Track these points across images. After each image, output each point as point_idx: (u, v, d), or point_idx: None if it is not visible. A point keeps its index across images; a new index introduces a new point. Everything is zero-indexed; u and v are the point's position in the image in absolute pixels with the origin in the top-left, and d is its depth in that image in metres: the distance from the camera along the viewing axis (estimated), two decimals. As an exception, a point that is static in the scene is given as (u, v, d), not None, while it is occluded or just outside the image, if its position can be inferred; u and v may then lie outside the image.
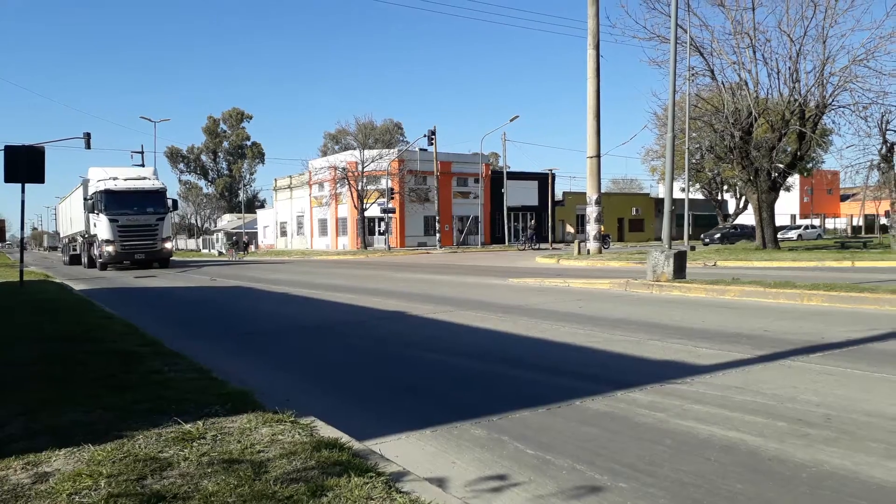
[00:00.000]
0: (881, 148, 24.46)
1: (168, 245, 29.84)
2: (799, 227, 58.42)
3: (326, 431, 3.65)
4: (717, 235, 46.55)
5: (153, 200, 28.93)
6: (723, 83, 26.12)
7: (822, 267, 18.63)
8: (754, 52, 25.01)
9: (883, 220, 51.04)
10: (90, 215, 29.21)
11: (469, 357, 6.50)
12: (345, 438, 3.50)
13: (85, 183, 31.09)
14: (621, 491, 3.04)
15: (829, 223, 68.61)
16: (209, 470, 3.08)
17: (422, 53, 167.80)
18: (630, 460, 3.43)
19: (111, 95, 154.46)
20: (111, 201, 27.84)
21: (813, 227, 58.84)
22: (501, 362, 6.19)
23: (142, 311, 11.26)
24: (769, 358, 5.82)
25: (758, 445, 3.58)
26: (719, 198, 54.96)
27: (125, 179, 29.33)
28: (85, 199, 30.14)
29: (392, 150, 53.55)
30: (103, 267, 27.99)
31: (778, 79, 25.34)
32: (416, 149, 52.85)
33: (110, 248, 27.43)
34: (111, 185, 28.23)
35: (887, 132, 23.80)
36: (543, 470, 3.33)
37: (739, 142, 25.55)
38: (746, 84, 25.33)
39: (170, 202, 29.84)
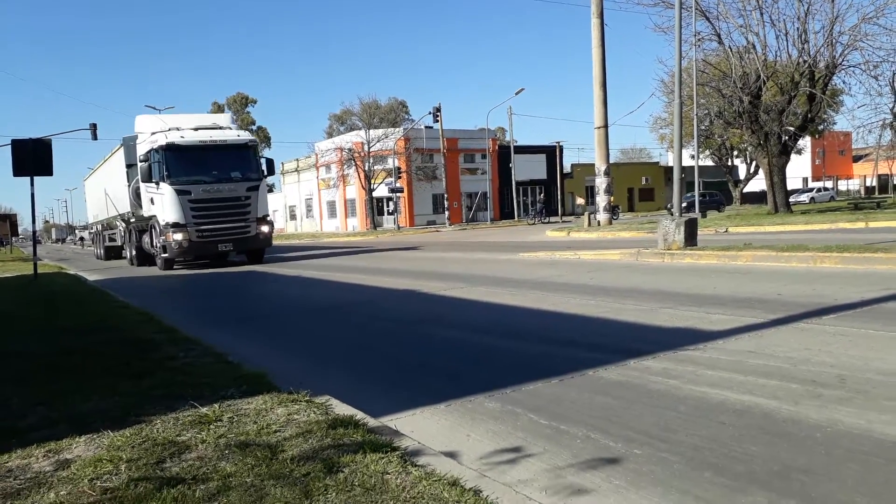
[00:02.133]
0: (893, 106, 24.07)
1: (265, 228, 19.10)
2: (811, 189, 57.83)
3: (341, 409, 3.69)
4: (684, 204, 46.09)
5: (240, 161, 18.65)
6: (730, 47, 25.73)
7: (835, 229, 18.46)
8: (761, 14, 24.60)
9: (896, 180, 50.40)
10: (143, 187, 19.14)
11: (482, 332, 6.51)
12: (360, 416, 3.53)
13: (129, 142, 20.79)
14: (636, 458, 3.05)
15: (842, 185, 67.87)
16: (226, 451, 3.12)
17: (425, 30, 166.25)
18: (644, 427, 3.44)
19: (115, 87, 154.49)
20: (178, 163, 17.80)
21: (825, 189, 58.22)
22: (513, 336, 6.20)
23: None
24: (782, 321, 5.80)
25: (772, 408, 3.58)
26: (730, 164, 54.48)
27: (195, 130, 18.75)
28: (131, 164, 20.52)
29: (397, 129, 53.29)
30: (168, 265, 18.86)
31: (786, 40, 24.94)
32: (422, 126, 52.59)
33: (180, 236, 17.66)
34: (176, 139, 17.90)
35: (899, 90, 23.37)
36: (558, 440, 3.34)
37: (748, 106, 25.22)
38: (754, 47, 24.94)
39: (263, 163, 19.27)
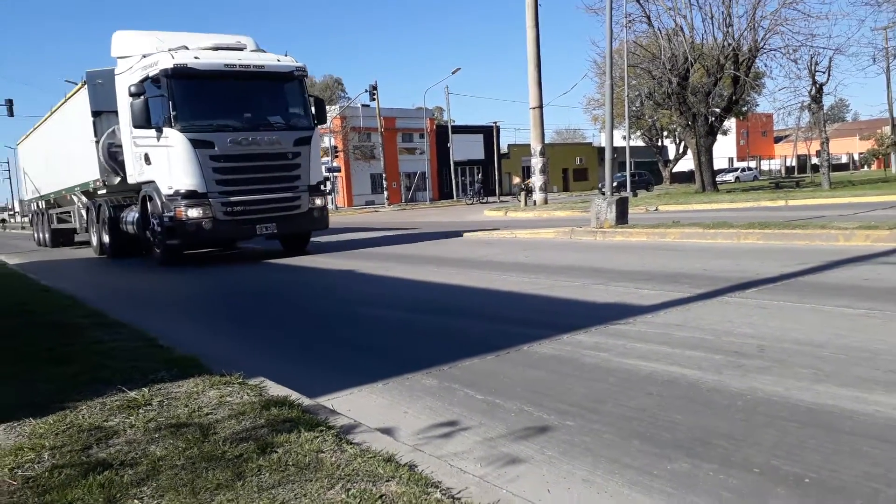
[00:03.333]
0: (811, 89, 25.21)
1: (320, 201, 12.97)
2: (736, 169, 60.13)
3: (276, 390, 3.64)
4: (615, 184, 47.42)
5: (283, 99, 12.72)
6: (659, 29, 26.37)
7: (757, 207, 19.28)
8: (689, -3, 25.23)
9: (814, 160, 52.95)
10: (131, 140, 12.78)
11: (421, 311, 6.53)
12: (294, 396, 3.49)
13: (98, 79, 14.49)
14: (568, 429, 3.13)
15: (765, 165, 70.83)
16: (156, 435, 3.04)
17: (361, 9, 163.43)
18: (576, 399, 3.53)
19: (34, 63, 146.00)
20: (192, 98, 11.77)
21: (749, 169, 60.64)
22: (452, 314, 6.25)
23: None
24: (708, 295, 6.03)
25: (697, 378, 3.73)
26: (660, 144, 55.99)
27: (214, 50, 12.39)
28: (101, 111, 14.39)
29: (333, 107, 52.48)
30: (171, 257, 12.63)
31: (712, 23, 25.76)
32: (359, 105, 51.93)
33: (198, 212, 11.62)
34: (188, 60, 11.64)
35: (816, 73, 24.53)
36: (493, 413, 3.40)
37: (677, 88, 25.95)
38: (682, 30, 25.64)
39: (311, 102, 12.85)
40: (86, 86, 14.83)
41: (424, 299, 7.19)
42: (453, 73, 48.03)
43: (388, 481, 2.35)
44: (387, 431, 3.11)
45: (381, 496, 2.26)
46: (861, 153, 63.79)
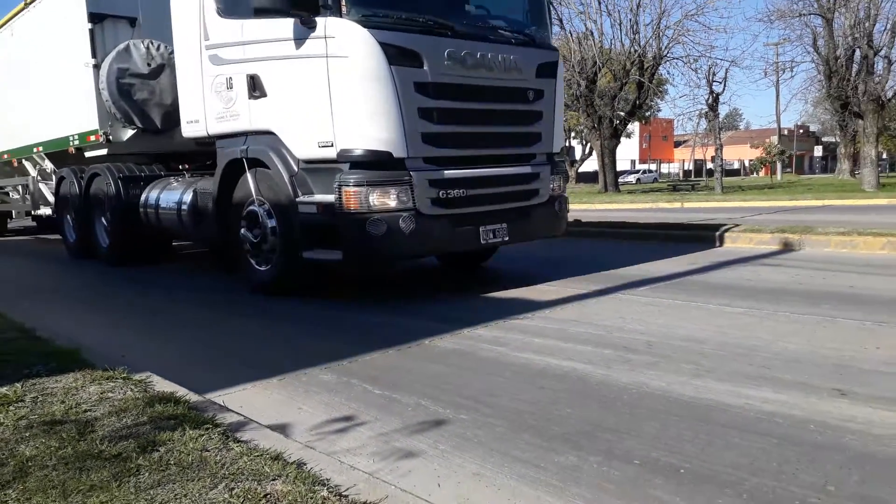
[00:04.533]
0: (708, 98, 26.59)
1: (558, 184, 7.05)
2: (638, 171, 62.76)
3: (163, 386, 3.48)
4: None
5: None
6: (570, 32, 27.11)
7: (655, 208, 20.19)
8: (600, 3, 26.11)
9: (709, 165, 56.04)
10: (223, 51, 6.52)
11: (319, 303, 6.43)
12: (181, 392, 3.35)
13: None
14: (462, 422, 3.17)
15: (665, 168, 74.15)
16: (27, 434, 2.85)
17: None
18: (472, 393, 3.58)
19: None
20: None
21: (650, 171, 63.40)
22: (354, 308, 6.19)
23: None
24: (604, 292, 6.25)
25: (587, 372, 3.86)
26: (567, 144, 57.64)
27: None
28: (106, 15, 8.98)
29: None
30: (293, 278, 6.46)
31: (620, 30, 26.73)
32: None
33: (391, 198, 5.59)
34: None
35: (713, 83, 25.90)
36: (389, 408, 3.39)
37: (585, 90, 26.75)
38: (592, 34, 26.46)
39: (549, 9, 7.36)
40: None
41: (328, 292, 7.06)
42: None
43: (273, 480, 2.30)
44: (279, 428, 3.04)
45: (265, 495, 2.21)
46: (751, 160, 68.06)
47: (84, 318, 6.13)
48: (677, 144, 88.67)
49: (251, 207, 6.59)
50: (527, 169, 6.66)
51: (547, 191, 6.84)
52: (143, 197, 8.79)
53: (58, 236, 11.28)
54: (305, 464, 2.49)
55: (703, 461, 2.66)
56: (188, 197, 7.75)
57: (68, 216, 10.61)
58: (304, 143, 5.96)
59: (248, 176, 6.49)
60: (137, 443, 2.67)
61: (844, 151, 36.03)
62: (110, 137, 9.05)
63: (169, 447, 2.62)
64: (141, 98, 8.83)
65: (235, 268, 7.13)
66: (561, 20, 26.71)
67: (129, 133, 9.10)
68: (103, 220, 9.55)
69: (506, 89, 6.36)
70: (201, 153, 8.25)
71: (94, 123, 9.07)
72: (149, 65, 8.81)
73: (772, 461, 2.63)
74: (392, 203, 5.63)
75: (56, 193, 10.88)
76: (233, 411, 3.19)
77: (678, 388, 3.54)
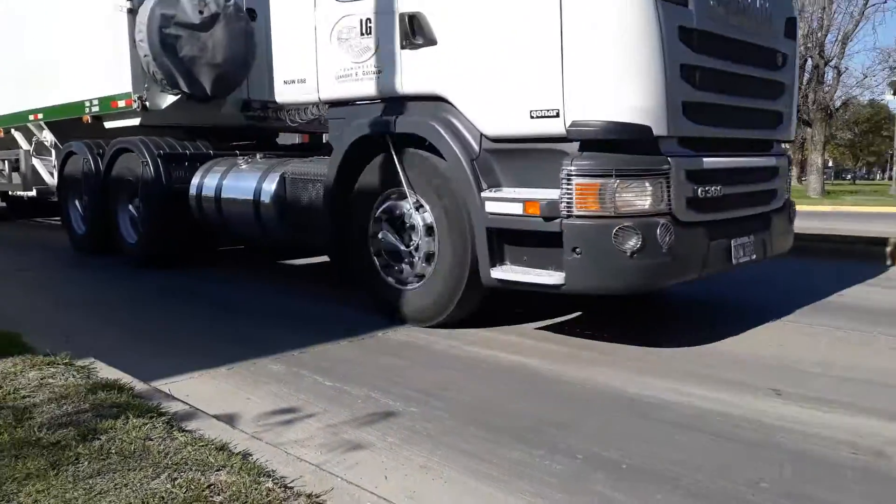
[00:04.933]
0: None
1: (788, 184, 5.42)
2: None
3: (107, 373, 3.41)
4: None
5: None
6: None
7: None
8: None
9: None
10: None
11: (275, 293, 6.37)
12: (126, 379, 3.28)
13: None
14: (412, 414, 3.19)
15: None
16: (-40, 421, 2.76)
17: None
18: (423, 386, 3.59)
19: None
20: None
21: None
22: (307, 297, 6.15)
23: None
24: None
25: (538, 368, 3.92)
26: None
27: None
28: None
29: None
30: (466, 306, 4.64)
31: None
32: None
33: (648, 198, 3.89)
34: None
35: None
36: (339, 400, 3.39)
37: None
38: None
39: None
40: None
41: (282, 280, 6.98)
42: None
43: (218, 470, 2.28)
44: (225, 418, 3.01)
45: (209, 486, 2.19)
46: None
47: (25, 301, 5.95)
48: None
49: (391, 202, 4.89)
50: (771, 161, 5.10)
51: (783, 192, 5.25)
52: (195, 182, 6.87)
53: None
54: (251, 455, 2.47)
55: (644, 457, 2.73)
56: (271, 185, 5.90)
57: (77, 201, 8.51)
58: (500, 113, 4.21)
59: (397, 164, 4.72)
60: (77, 431, 2.61)
61: (792, 158, 36.98)
62: (147, 104, 7.18)
63: (111, 435, 2.57)
64: (189, 55, 6.92)
65: (353, 281, 5.51)
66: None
67: (169, 99, 7.24)
68: (130, 207, 7.58)
69: (759, 49, 4.73)
70: (251, 129, 7.33)
71: (124, 85, 7.20)
72: (200, 12, 6.92)
73: None
74: (645, 203, 3.93)
75: (60, 172, 8.75)
76: (178, 400, 3.14)
77: (621, 384, 3.62)
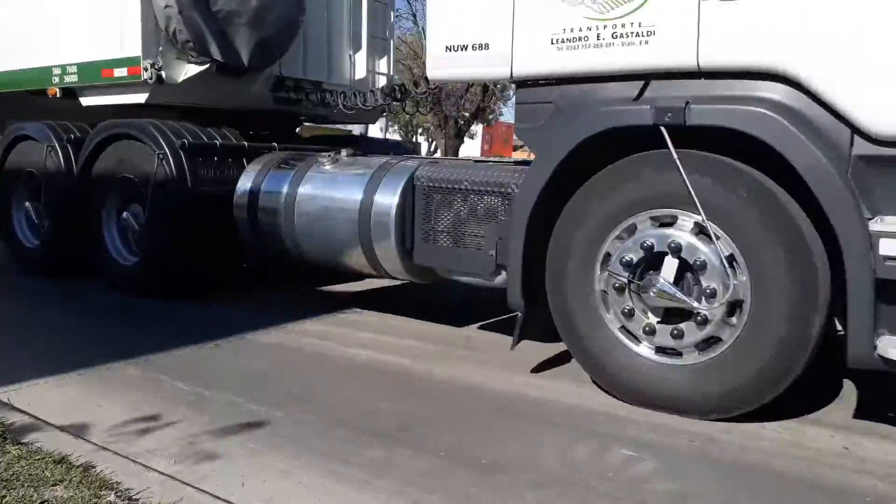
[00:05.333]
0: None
1: None
2: (480, 171, 64.89)
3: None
4: None
5: None
6: (423, 29, 27.43)
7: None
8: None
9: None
10: None
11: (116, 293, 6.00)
12: (-45, 389, 3.00)
13: None
14: (277, 420, 3.11)
15: (505, 170, 77.39)
16: None
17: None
18: (290, 390, 3.52)
19: None
20: None
21: (492, 172, 65.79)
22: (166, 300, 5.85)
23: None
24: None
25: (409, 366, 3.95)
26: (414, 140, 58.44)
27: None
28: None
29: None
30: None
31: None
32: None
33: None
34: None
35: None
36: (200, 406, 3.25)
37: (434, 88, 27.24)
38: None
39: None
40: None
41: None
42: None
43: (54, 486, 2.13)
44: (71, 429, 2.81)
45: (42, 502, 2.03)
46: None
47: None
48: (516, 148, 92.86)
49: (650, 230, 3.24)
50: None
51: None
52: (245, 186, 5.16)
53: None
54: (95, 466, 2.33)
55: (502, 452, 2.81)
56: (391, 197, 4.30)
57: (26, 203, 6.39)
58: None
59: (679, 164, 3.07)
60: None
61: None
62: (162, 74, 5.28)
63: (-70, 452, 2.34)
64: (225, 11, 5.23)
65: (545, 333, 4.06)
66: (415, 16, 26.99)
67: (190, 70, 5.41)
68: (127, 216, 5.63)
69: None
70: (277, 115, 5.93)
71: (129, 47, 5.30)
72: None
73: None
74: None
75: (0, 164, 6.55)
76: (18, 410, 2.91)
77: (490, 381, 3.71)
